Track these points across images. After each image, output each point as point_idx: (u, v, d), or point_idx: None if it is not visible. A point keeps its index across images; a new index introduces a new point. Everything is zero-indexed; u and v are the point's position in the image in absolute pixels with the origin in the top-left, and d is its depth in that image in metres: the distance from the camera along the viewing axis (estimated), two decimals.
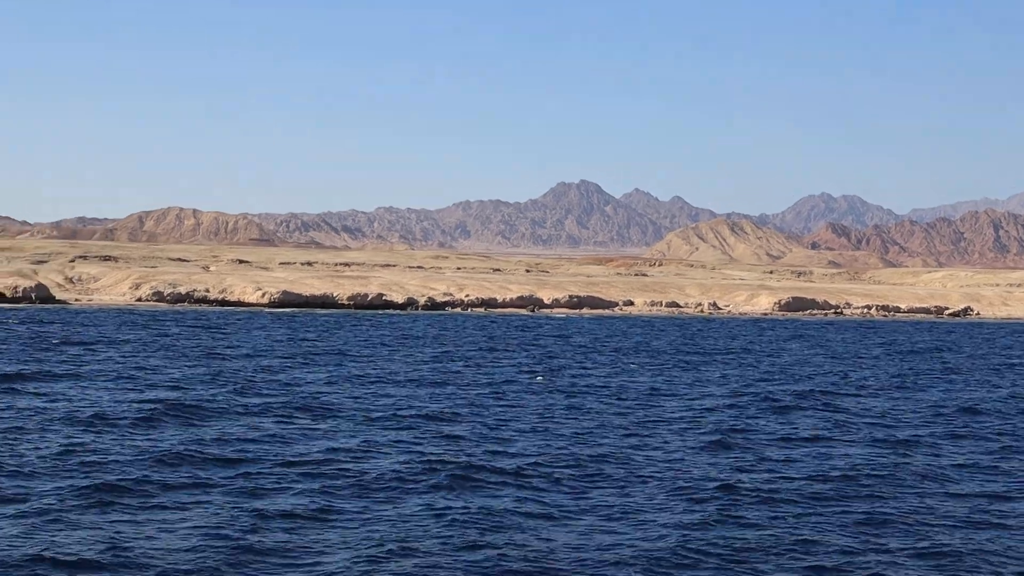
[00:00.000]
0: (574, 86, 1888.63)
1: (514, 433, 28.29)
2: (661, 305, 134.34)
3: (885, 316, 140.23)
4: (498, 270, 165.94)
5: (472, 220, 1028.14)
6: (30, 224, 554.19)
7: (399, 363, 49.06)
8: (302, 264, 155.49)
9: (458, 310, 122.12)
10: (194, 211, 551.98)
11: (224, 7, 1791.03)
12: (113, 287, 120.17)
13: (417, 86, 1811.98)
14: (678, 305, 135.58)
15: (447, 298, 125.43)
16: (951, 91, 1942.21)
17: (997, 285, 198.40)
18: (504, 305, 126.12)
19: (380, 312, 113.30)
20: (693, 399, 37.53)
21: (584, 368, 49.31)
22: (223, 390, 36.00)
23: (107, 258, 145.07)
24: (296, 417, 30.21)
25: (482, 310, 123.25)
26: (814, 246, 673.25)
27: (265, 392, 36.10)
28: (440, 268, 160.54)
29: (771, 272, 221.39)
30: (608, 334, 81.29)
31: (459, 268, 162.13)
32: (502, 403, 34.88)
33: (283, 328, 77.22)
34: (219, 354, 51.67)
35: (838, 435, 29.51)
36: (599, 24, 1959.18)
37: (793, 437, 28.84)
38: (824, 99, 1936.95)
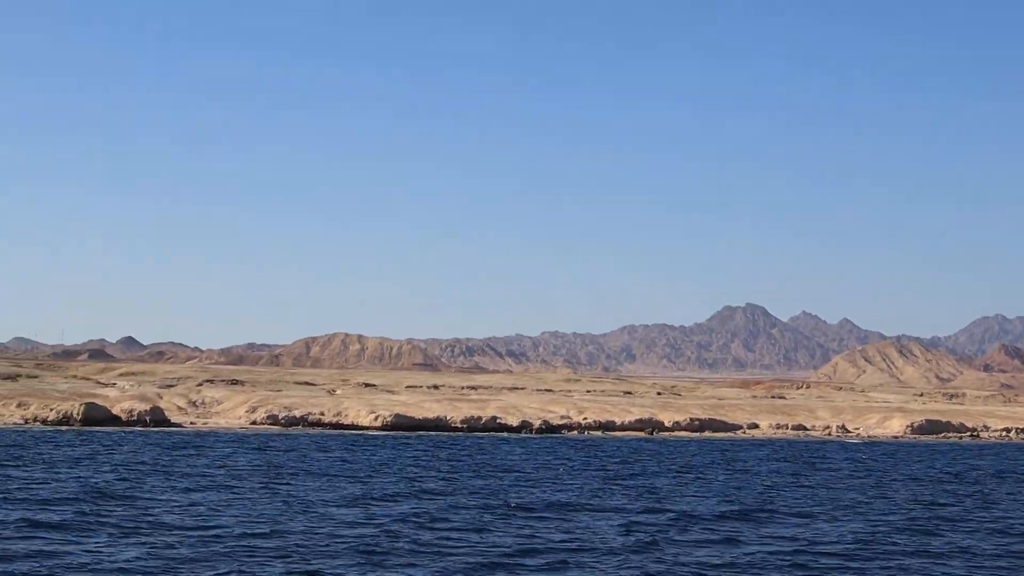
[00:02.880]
0: (739, 211, 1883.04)
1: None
2: (787, 428, 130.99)
3: None
4: (629, 393, 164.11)
5: (637, 344, 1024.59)
6: (201, 350, 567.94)
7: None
8: (428, 388, 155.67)
9: (574, 433, 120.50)
10: (359, 336, 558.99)
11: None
12: (232, 411, 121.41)
13: (581, 210, 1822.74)
14: (804, 428, 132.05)
15: (564, 421, 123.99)
16: None
17: None
18: (623, 428, 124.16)
19: (491, 434, 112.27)
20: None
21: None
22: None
23: (234, 382, 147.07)
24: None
25: (599, 433, 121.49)
26: (986, 368, 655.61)
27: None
28: (569, 391, 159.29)
29: (920, 395, 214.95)
30: (650, 456, 79.07)
31: (589, 391, 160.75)
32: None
33: (338, 452, 76.69)
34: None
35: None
36: (761, 151, 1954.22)
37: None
38: (995, 217, 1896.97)
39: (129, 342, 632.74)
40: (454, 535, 32.13)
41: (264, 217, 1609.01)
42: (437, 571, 26.15)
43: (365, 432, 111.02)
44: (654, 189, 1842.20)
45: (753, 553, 30.00)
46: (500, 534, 32.62)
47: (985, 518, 39.98)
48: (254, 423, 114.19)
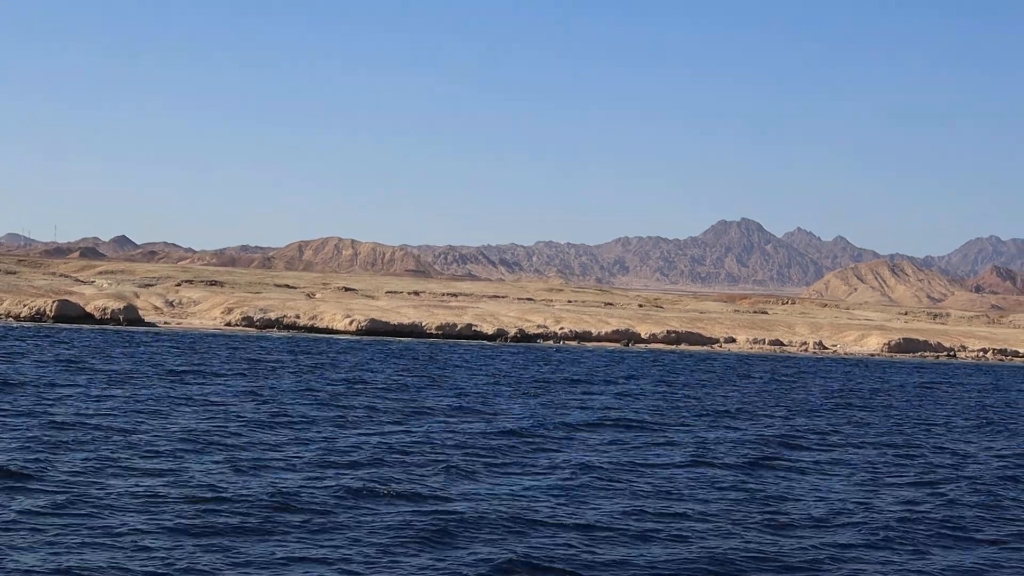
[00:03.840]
0: (736, 127, 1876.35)
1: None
2: (764, 343, 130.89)
3: (1002, 360, 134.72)
4: (610, 304, 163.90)
5: (631, 256, 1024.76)
6: (195, 251, 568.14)
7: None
8: (408, 294, 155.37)
9: (549, 343, 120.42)
10: (352, 241, 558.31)
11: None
12: (208, 311, 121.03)
13: (578, 122, 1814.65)
14: (781, 343, 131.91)
15: (540, 330, 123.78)
16: None
17: None
18: (599, 339, 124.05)
19: (467, 342, 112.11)
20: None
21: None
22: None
23: (213, 283, 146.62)
24: None
25: (574, 343, 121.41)
26: (977, 289, 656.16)
27: None
28: (551, 301, 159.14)
29: (905, 314, 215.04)
30: (609, 365, 78.86)
31: (570, 301, 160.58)
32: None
33: (285, 352, 76.49)
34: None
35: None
36: (767, 64, 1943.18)
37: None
38: (993, 140, 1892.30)
39: (122, 241, 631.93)
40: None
41: (264, 124, 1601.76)
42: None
43: (338, 336, 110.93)
44: (652, 102, 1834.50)
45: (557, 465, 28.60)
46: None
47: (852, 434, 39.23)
48: (228, 324, 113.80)
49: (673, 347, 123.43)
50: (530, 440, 32.55)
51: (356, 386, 49.46)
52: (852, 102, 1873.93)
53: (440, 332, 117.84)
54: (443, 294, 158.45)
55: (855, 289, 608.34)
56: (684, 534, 20.54)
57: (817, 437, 37.36)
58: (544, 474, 26.49)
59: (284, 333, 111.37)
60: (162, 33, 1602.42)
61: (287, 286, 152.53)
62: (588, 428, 36.67)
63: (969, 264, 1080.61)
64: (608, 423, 38.24)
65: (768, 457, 31.32)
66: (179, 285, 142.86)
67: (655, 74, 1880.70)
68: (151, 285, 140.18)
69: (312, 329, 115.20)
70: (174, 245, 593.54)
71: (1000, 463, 32.93)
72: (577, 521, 21.09)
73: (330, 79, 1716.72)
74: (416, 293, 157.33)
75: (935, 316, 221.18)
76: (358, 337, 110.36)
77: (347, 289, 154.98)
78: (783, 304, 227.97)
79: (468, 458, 28.19)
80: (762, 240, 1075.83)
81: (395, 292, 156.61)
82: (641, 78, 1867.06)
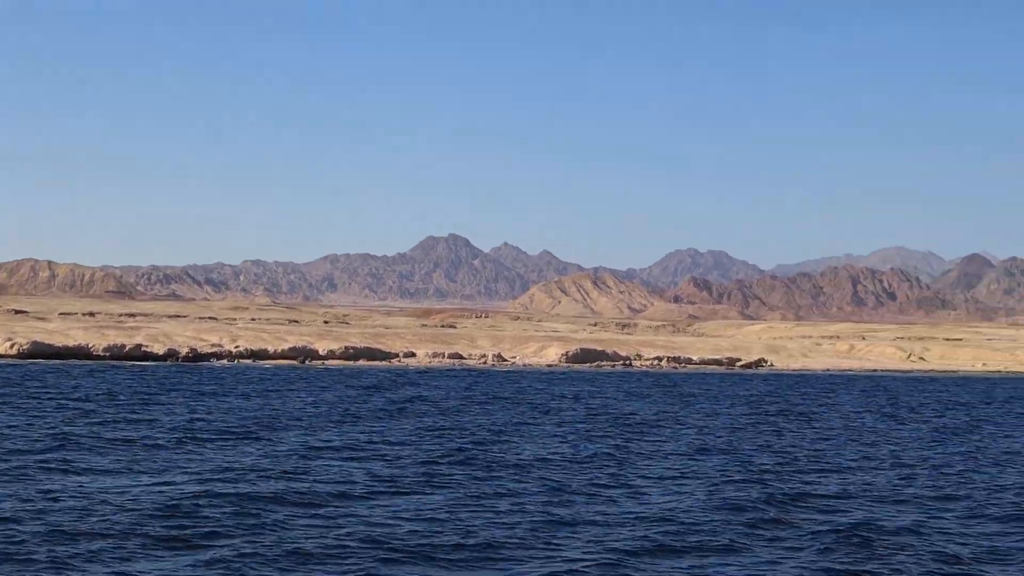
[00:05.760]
0: (443, 138, 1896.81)
1: None
2: (444, 356, 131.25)
3: (675, 367, 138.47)
4: (295, 321, 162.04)
5: (340, 273, 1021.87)
6: None
7: None
8: (84, 315, 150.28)
9: (224, 362, 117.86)
10: (49, 263, 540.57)
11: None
12: None
13: (281, 141, 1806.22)
14: (461, 357, 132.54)
15: (215, 349, 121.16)
16: (817, 151, 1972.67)
17: (809, 338, 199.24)
18: (275, 356, 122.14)
19: (137, 364, 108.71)
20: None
21: None
22: None
23: None
24: None
25: (250, 361, 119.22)
26: (676, 300, 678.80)
27: None
28: (234, 319, 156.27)
29: (595, 324, 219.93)
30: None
31: (253, 320, 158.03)
32: None
33: None
34: None
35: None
36: (463, 77, 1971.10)
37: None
38: (694, 156, 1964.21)
39: None
40: None
41: None
42: None
43: None
44: (350, 119, 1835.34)
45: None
46: None
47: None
48: None
49: (351, 363, 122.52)
50: None
51: None
52: (569, 108, 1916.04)
53: (108, 354, 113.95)
54: (120, 315, 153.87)
55: (559, 302, 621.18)
56: None
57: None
58: None
59: None
60: None
61: None
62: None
63: (669, 276, 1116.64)
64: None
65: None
66: None
67: (348, 91, 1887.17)
68: None
69: None
70: None
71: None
72: None
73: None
74: (92, 314, 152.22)
75: (623, 327, 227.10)
76: (18, 361, 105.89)
77: (17, 312, 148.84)
78: (477, 318, 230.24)
79: None
80: (470, 255, 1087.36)
81: (69, 314, 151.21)
82: (335, 95, 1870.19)
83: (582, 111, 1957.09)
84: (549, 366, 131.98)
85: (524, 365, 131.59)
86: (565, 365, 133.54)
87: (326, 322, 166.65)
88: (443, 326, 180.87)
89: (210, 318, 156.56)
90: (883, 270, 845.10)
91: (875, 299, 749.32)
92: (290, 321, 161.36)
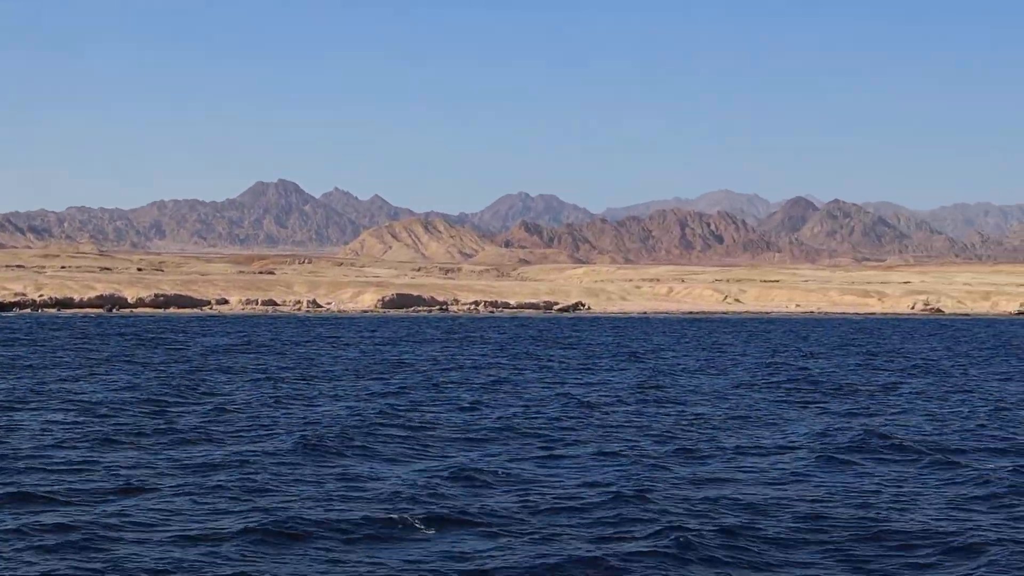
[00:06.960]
0: (272, 85, 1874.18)
1: None
2: (257, 303, 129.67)
3: (492, 311, 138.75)
4: (107, 269, 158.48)
5: (168, 220, 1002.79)
6: None
7: None
8: None
9: (27, 311, 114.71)
10: None
11: None
12: None
13: (119, 70, 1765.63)
14: (275, 303, 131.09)
15: (18, 298, 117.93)
16: (647, 94, 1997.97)
17: (629, 281, 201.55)
18: (81, 305, 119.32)
19: None
20: None
21: None
22: None
23: None
24: None
25: (55, 310, 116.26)
26: (507, 244, 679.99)
27: None
28: (43, 267, 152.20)
29: (417, 270, 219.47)
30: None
31: (64, 267, 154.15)
32: None
33: None
34: None
35: None
36: (295, 26, 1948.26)
37: None
38: (524, 97, 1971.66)
39: None
40: None
41: None
42: None
43: None
44: (191, 65, 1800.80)
45: None
46: None
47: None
48: None
49: (162, 310, 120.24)
50: None
51: None
52: (397, 52, 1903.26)
53: None
54: None
55: (390, 247, 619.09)
56: None
57: None
58: None
59: None
60: None
61: None
62: None
63: (500, 220, 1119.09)
64: None
65: None
66: None
67: (196, 38, 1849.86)
68: None
69: None
70: None
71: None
72: None
73: None
74: None
75: (447, 271, 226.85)
76: None
77: None
78: (300, 264, 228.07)
79: None
80: (300, 201, 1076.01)
81: None
82: (181, 41, 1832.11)
83: (409, 56, 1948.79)
84: (364, 311, 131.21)
85: (339, 311, 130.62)
86: (381, 311, 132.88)
87: (139, 269, 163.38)
88: (262, 272, 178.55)
89: (17, 266, 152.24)
90: (710, 213, 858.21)
91: (703, 242, 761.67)
92: (102, 269, 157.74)
